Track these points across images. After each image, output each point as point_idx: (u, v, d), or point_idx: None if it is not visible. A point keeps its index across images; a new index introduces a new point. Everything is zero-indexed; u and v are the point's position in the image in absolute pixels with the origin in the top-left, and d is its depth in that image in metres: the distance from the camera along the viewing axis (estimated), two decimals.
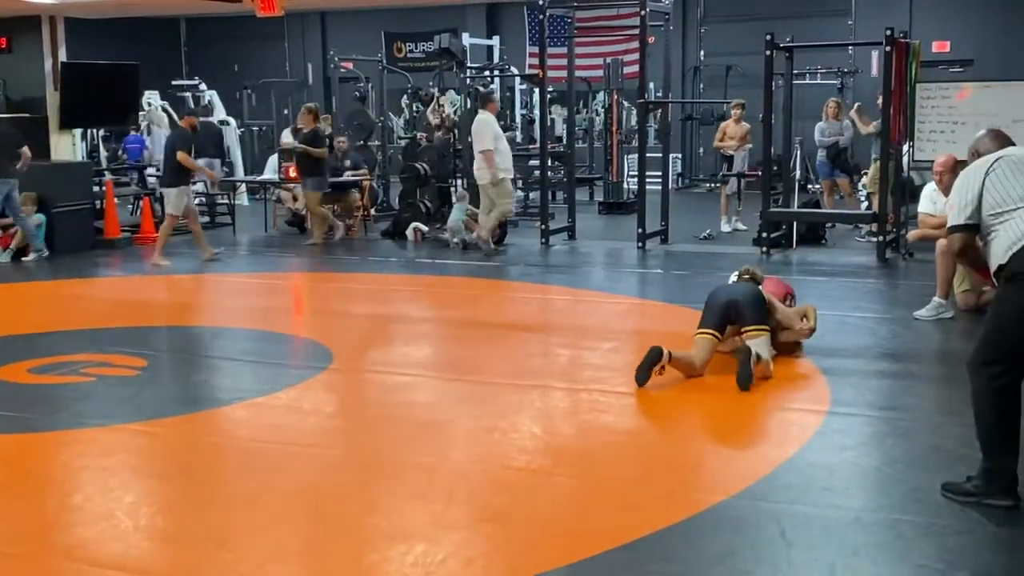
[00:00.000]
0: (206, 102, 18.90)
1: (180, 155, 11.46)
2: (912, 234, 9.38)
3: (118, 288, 10.91)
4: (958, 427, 5.38)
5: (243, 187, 17.60)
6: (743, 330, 6.51)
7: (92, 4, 15.73)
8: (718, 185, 16.91)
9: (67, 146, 14.79)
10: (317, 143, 12.80)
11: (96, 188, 13.68)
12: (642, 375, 6.22)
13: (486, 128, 11.95)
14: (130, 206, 15.53)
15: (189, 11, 23.96)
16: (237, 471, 5.07)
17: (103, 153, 18.12)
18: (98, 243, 12.99)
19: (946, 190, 8.45)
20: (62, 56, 14.40)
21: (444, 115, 15.03)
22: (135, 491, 4.83)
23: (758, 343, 6.39)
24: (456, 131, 14.56)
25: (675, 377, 6.41)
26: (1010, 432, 4.39)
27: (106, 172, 14.61)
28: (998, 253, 4.51)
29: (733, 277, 7.12)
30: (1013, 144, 4.88)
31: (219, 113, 18.73)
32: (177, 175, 11.56)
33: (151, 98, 19.27)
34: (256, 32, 22.98)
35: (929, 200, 8.67)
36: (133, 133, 18.70)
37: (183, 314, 9.43)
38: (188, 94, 19.93)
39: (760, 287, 6.84)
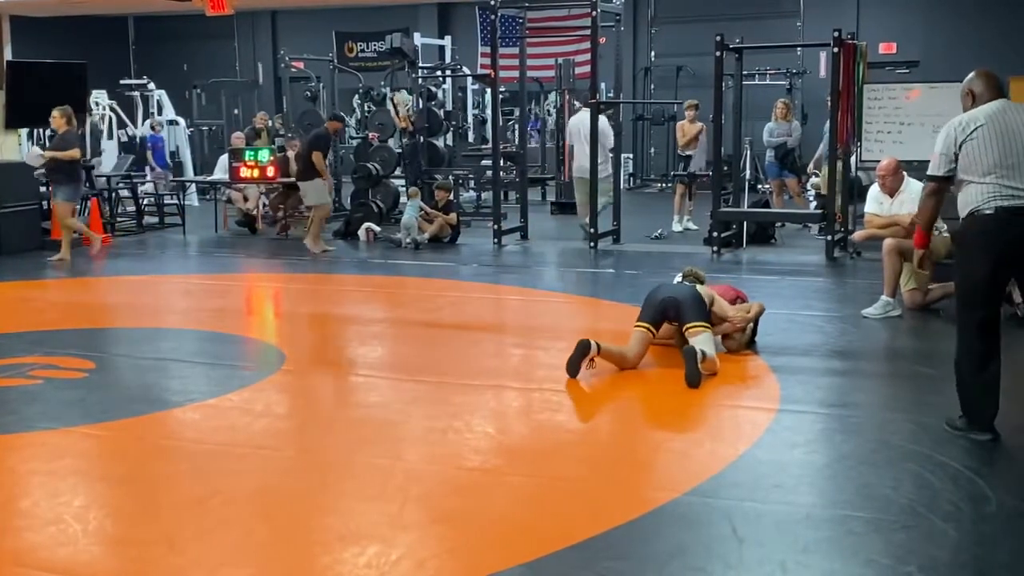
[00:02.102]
0: (155, 101, 18.72)
1: (315, 155, 12.24)
2: (858, 234, 9.48)
3: (65, 289, 10.76)
4: (906, 423, 5.48)
5: (193, 187, 17.44)
6: (685, 327, 6.59)
7: (39, 2, 15.52)
8: (669, 185, 17.05)
9: (13, 146, 14.54)
10: (67, 148, 11.71)
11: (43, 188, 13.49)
12: (572, 367, 6.40)
13: (609, 129, 13.03)
14: (78, 206, 15.32)
15: (137, 10, 23.76)
16: (188, 474, 5.03)
17: None
18: (45, 244, 12.82)
19: (890, 192, 8.59)
20: (8, 55, 14.18)
21: (407, 115, 15.01)
22: (84, 495, 4.78)
23: (702, 339, 6.48)
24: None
25: (627, 375, 6.50)
26: (987, 381, 5.13)
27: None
28: (960, 212, 5.18)
29: (678, 278, 7.26)
30: (1001, 90, 5.29)
31: (168, 113, 18.55)
32: (312, 171, 12.34)
33: (99, 97, 19.06)
34: (206, 31, 22.85)
35: (875, 201, 8.77)
36: (153, 132, 18.44)
37: (132, 316, 9.33)
38: (136, 93, 19.73)
39: (698, 287, 6.99)
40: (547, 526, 4.28)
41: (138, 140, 19.46)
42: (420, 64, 16.09)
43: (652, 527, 4.26)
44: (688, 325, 6.58)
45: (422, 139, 14.87)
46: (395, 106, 15.04)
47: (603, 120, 12.90)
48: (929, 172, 5.29)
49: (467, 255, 12.26)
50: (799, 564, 3.88)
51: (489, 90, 15.14)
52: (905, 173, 8.69)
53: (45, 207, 13.19)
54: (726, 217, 12.04)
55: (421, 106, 15.02)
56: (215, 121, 21.61)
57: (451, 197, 13.38)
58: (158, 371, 7.20)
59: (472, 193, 17.36)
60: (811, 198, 13.72)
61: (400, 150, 15.17)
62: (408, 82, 15.63)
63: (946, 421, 5.36)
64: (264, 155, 13.58)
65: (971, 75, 5.37)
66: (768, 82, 18.63)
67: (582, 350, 6.41)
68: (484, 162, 15.74)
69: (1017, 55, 17.44)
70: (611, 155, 13.15)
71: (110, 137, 19.50)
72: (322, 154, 12.44)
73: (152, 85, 19.19)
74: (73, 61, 14.79)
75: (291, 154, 14.58)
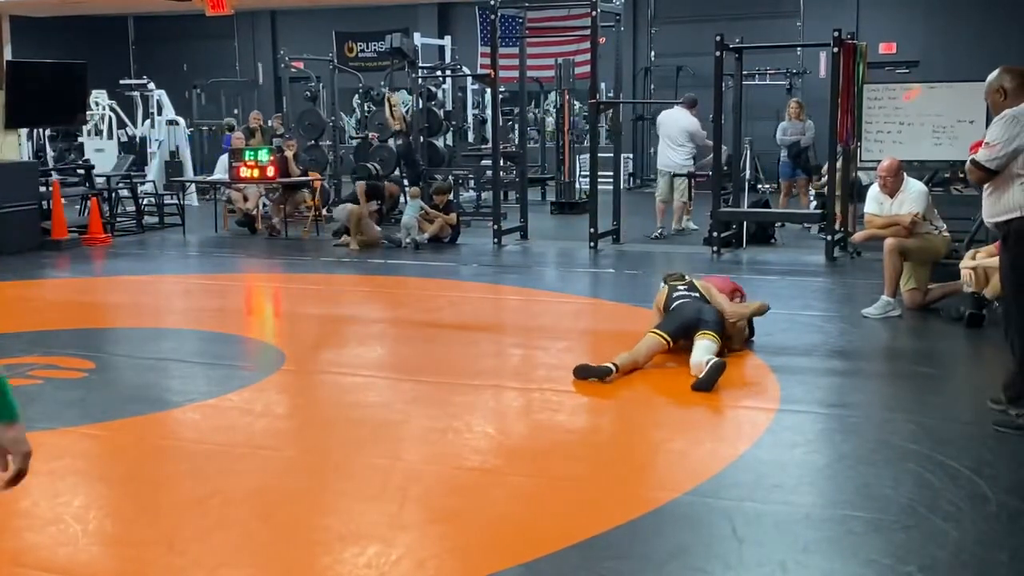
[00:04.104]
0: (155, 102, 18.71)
1: (359, 185, 13.27)
2: (858, 235, 9.45)
3: (65, 289, 10.77)
4: (906, 423, 5.47)
5: (192, 187, 17.44)
6: (698, 333, 6.58)
7: (39, 2, 15.51)
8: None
9: (13, 146, 14.53)
10: None
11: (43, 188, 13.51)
12: (581, 374, 6.39)
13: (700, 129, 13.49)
14: (78, 207, 15.32)
15: (137, 9, 23.75)
16: (187, 474, 5.02)
17: (50, 153, 17.85)
18: (45, 244, 12.82)
19: (891, 192, 8.56)
20: (7, 55, 14.15)
21: (400, 115, 15.01)
22: (83, 495, 4.78)
23: (707, 345, 6.47)
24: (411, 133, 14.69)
25: (628, 375, 6.49)
26: None
27: (53, 172, 14.37)
28: (1009, 206, 5.14)
29: (663, 284, 7.28)
30: None
31: (168, 112, 18.55)
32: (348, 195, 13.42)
33: (99, 97, 19.03)
34: (206, 31, 22.82)
35: (875, 201, 8.73)
36: (227, 133, 18.37)
37: (132, 316, 9.32)
38: (136, 93, 19.72)
39: (696, 282, 7.13)
40: (547, 526, 4.28)
41: (138, 140, 19.44)
42: (420, 64, 16.09)
43: (652, 527, 4.26)
44: (702, 331, 6.59)
45: (422, 139, 14.86)
46: (391, 107, 15.04)
47: (693, 118, 13.15)
48: (982, 160, 5.19)
49: (467, 255, 12.26)
50: (799, 564, 3.88)
51: (489, 90, 15.12)
52: (905, 174, 8.67)
53: (44, 207, 13.19)
54: (726, 217, 12.03)
55: (421, 106, 15.01)
56: (215, 121, 21.60)
57: (450, 197, 13.37)
58: (158, 371, 7.20)
59: (472, 193, 17.35)
60: (811, 198, 13.73)
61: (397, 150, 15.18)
62: (408, 82, 15.62)
63: (995, 423, 5.35)
64: (264, 155, 13.57)
65: (998, 71, 5.28)
66: (768, 82, 18.62)
67: (601, 374, 6.37)
68: (484, 162, 15.74)
69: (1017, 55, 17.42)
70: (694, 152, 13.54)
71: (110, 137, 19.50)
72: (365, 194, 13.09)
73: (152, 85, 19.17)
74: (73, 61, 14.78)
75: (289, 154, 14.57)
